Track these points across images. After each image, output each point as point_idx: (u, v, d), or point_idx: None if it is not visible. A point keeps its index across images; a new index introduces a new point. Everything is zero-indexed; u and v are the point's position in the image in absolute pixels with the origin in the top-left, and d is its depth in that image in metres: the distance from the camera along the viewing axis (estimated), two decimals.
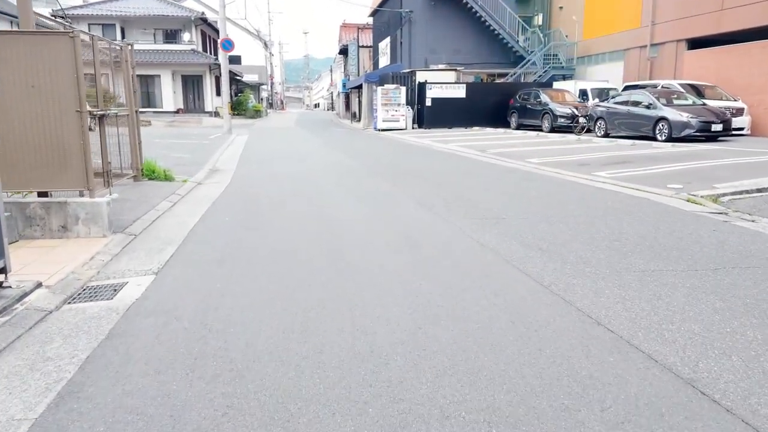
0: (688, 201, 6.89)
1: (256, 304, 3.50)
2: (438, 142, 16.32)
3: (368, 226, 5.57)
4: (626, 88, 18.59)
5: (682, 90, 15.80)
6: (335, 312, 3.33)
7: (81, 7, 35.27)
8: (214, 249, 4.77)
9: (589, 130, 17.71)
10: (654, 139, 14.25)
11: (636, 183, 7.90)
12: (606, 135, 16.13)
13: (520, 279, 3.92)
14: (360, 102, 35.52)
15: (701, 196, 7.10)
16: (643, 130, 14.83)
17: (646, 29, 20.07)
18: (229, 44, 20.71)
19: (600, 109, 16.65)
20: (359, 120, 33.68)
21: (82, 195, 5.46)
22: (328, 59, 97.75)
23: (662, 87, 16.50)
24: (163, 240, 5.09)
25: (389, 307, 3.40)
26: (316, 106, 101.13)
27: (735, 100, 15.70)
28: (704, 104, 14.61)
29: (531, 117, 20.60)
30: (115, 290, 4.00)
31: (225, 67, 21.34)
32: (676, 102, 14.69)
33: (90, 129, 5.66)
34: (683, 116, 13.58)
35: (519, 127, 21.42)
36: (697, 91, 16.14)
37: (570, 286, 3.73)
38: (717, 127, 13.47)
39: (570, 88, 21.11)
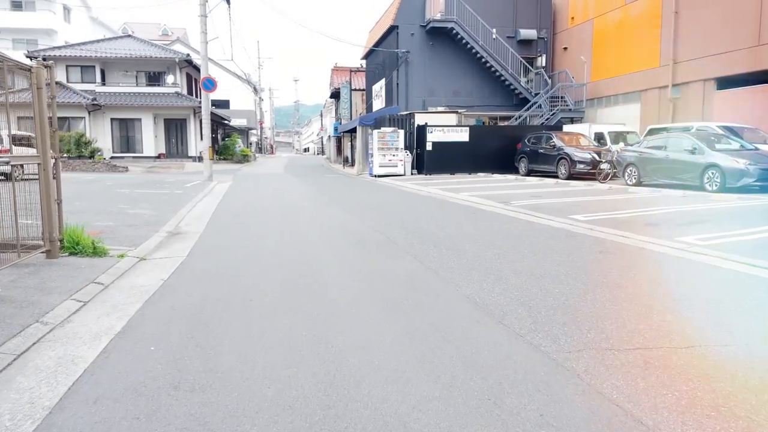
0: None
1: None
2: (447, 191, 14.16)
3: (421, 396, 3.15)
4: (651, 131, 16.76)
5: (722, 132, 13.92)
6: None
7: (58, 48, 33.54)
8: None
9: (614, 177, 15.75)
10: (702, 189, 12.20)
11: (753, 258, 5.66)
12: (639, 183, 14.10)
13: None
14: (352, 146, 33.68)
15: None
16: (686, 178, 12.81)
17: (667, 68, 18.47)
18: (210, 84, 18.75)
19: (630, 154, 14.68)
20: (352, 165, 31.70)
21: None
22: (317, 106, 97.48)
23: (697, 129, 14.63)
24: None
25: None
26: (306, 150, 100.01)
27: None
28: (756, 149, 12.67)
29: (544, 162, 18.65)
30: None
31: (206, 109, 19.31)
32: (720, 146, 12.76)
33: None
34: (739, 163, 11.58)
35: (530, 173, 19.45)
36: (735, 134, 14.28)
37: None
38: None
39: (584, 131, 19.29)
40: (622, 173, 14.82)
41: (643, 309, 4.17)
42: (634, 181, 14.26)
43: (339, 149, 40.50)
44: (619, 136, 18.73)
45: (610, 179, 15.80)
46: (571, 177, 17.13)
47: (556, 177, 17.80)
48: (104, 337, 3.74)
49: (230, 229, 8.66)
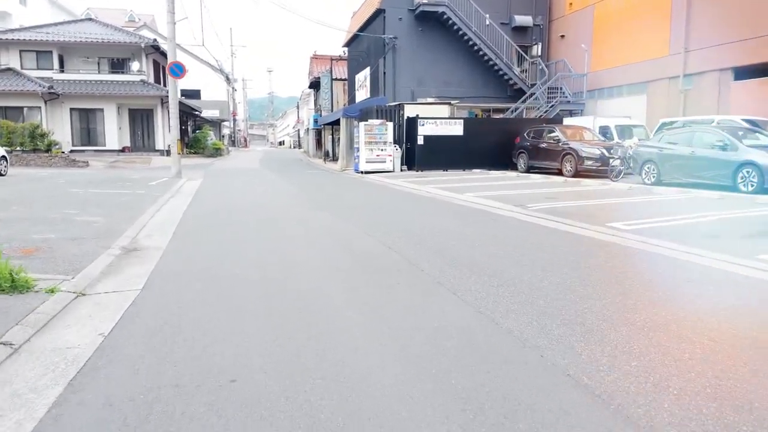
0: None
1: None
2: (448, 190, 12.65)
3: None
4: (663, 125, 15.56)
5: (749, 127, 12.71)
6: None
7: (11, 31, 30.80)
8: None
9: (626, 175, 14.53)
10: (736, 189, 10.95)
11: None
12: (658, 182, 12.82)
13: None
14: (334, 140, 31.94)
15: None
16: (714, 177, 11.57)
17: (678, 57, 17.28)
18: (179, 69, 16.79)
19: (646, 149, 13.40)
20: (334, 160, 29.98)
21: None
22: (292, 98, 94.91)
23: (719, 123, 13.41)
24: None
25: None
26: (281, 143, 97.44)
27: None
28: None
29: (546, 158, 17.29)
30: None
31: (174, 97, 17.35)
32: (749, 142, 11.52)
33: None
34: None
35: (530, 170, 18.08)
36: (760, 129, 13.11)
37: None
38: None
39: (587, 124, 17.98)
40: (639, 171, 13.53)
41: None
42: (652, 179, 12.98)
43: (319, 143, 38.64)
44: (625, 130, 17.52)
45: (622, 177, 14.56)
46: (577, 174, 15.81)
47: (560, 174, 16.46)
48: None
49: (201, 242, 6.94)
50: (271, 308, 4.15)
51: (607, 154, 15.34)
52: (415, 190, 13.47)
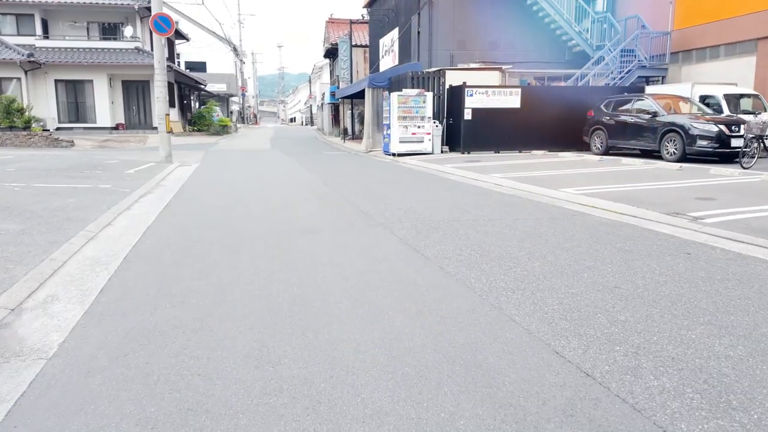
0: None
1: None
2: (526, 182, 9.02)
3: None
4: None
5: None
6: None
7: None
8: None
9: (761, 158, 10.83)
10: None
11: None
12: None
13: None
14: (354, 115, 28.21)
15: None
16: None
17: None
18: (165, 23, 13.15)
19: None
20: (353, 138, 26.29)
21: None
22: (302, 75, 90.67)
23: None
24: None
25: None
26: (292, 120, 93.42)
27: None
28: None
29: (635, 137, 13.52)
30: None
31: (161, 61, 13.72)
32: None
33: None
34: None
35: (608, 151, 14.33)
36: None
37: None
38: None
39: (682, 93, 14.11)
40: None
41: None
42: None
43: (335, 119, 34.85)
44: (730, 101, 13.68)
45: (755, 162, 10.86)
46: (683, 158, 12.07)
47: (658, 157, 12.76)
48: None
49: (145, 331, 3.26)
50: None
51: (727, 131, 11.58)
52: (480, 183, 9.84)
